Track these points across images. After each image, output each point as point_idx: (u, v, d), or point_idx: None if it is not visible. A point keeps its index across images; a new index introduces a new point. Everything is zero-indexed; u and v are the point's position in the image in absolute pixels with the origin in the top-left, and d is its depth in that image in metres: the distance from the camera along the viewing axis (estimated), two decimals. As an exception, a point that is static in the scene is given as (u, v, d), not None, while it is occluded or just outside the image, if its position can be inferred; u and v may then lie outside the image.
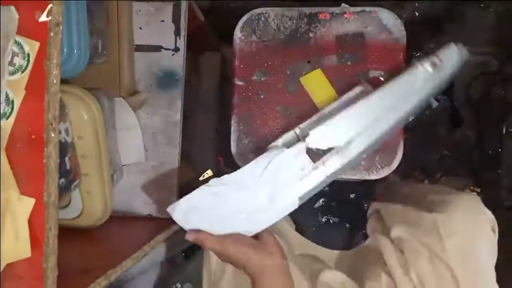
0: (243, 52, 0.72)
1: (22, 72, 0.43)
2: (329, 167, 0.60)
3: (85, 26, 0.57)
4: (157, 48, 0.74)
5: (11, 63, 0.42)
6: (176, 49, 0.74)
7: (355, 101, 0.62)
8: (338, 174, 0.62)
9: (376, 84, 0.67)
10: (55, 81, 0.43)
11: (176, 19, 0.73)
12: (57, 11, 0.42)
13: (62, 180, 0.56)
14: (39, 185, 0.43)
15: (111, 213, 0.67)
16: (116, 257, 0.56)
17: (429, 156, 1.17)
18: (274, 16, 0.72)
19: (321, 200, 1.16)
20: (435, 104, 1.15)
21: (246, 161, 0.60)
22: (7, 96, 0.43)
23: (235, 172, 0.58)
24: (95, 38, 0.63)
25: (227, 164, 1.13)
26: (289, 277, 0.58)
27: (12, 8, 0.42)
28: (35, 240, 0.43)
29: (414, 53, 1.09)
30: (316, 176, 0.60)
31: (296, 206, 0.60)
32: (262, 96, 0.72)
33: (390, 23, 0.70)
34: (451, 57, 0.63)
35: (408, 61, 0.68)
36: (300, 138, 0.62)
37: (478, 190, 1.13)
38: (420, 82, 0.62)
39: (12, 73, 0.43)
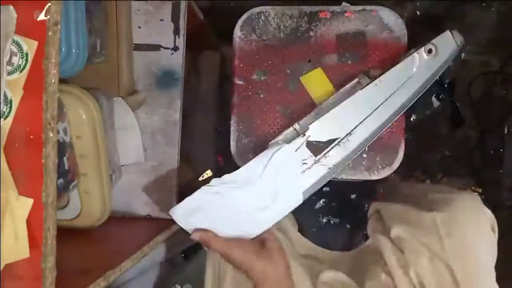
0: (242, 51, 0.72)
1: (20, 71, 0.42)
2: (331, 159, 0.60)
3: (84, 25, 0.57)
4: (156, 47, 0.73)
5: (9, 62, 0.42)
6: (175, 48, 0.73)
7: (353, 92, 0.62)
8: (340, 167, 0.61)
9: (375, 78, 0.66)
10: (53, 81, 0.42)
11: (175, 18, 0.73)
12: (56, 10, 0.42)
13: (61, 180, 0.56)
14: (38, 185, 0.43)
15: (110, 213, 0.67)
16: (115, 257, 0.56)
17: (430, 156, 1.17)
18: (274, 14, 0.71)
19: (321, 201, 1.16)
20: (436, 103, 1.15)
21: (246, 161, 0.60)
22: (5, 95, 0.42)
23: (235, 172, 0.58)
24: (94, 37, 0.63)
25: (226, 164, 1.13)
26: (291, 284, 0.58)
27: (11, 7, 0.42)
28: (34, 241, 0.43)
29: (415, 53, 1.09)
30: (318, 170, 0.60)
31: (300, 202, 0.59)
32: (262, 96, 0.71)
33: (391, 22, 0.69)
34: (446, 43, 0.63)
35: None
36: (299, 133, 0.62)
37: (480, 190, 1.12)
38: (417, 69, 0.62)
39: (10, 73, 0.42)
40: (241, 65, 0.72)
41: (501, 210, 1.01)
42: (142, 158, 0.74)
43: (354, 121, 0.61)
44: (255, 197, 0.58)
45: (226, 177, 0.58)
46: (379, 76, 0.62)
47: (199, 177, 0.60)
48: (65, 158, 0.57)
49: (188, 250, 0.95)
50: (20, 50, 0.42)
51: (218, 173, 0.59)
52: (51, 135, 0.42)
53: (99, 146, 0.61)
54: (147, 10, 0.73)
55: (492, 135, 1.14)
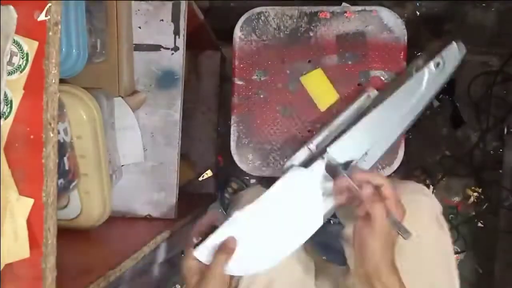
0: (243, 51, 0.72)
1: (21, 71, 0.42)
2: None
3: (84, 26, 0.57)
4: (157, 48, 0.73)
5: (9, 62, 0.42)
6: (176, 49, 0.73)
7: (363, 109, 0.62)
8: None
9: (379, 86, 0.66)
10: (53, 81, 0.42)
11: (175, 18, 0.73)
12: (56, 10, 0.42)
13: (61, 180, 0.56)
14: (38, 186, 0.42)
15: (110, 213, 0.67)
16: (115, 257, 0.56)
17: (430, 156, 1.17)
18: (274, 15, 0.71)
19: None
20: (436, 103, 1.15)
21: (246, 160, 0.60)
22: (5, 96, 0.42)
23: (256, 200, 0.57)
24: (94, 37, 0.63)
25: (226, 164, 1.13)
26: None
27: (11, 7, 0.42)
28: (34, 241, 0.43)
29: (415, 52, 1.09)
30: None
31: (320, 225, 0.58)
32: (262, 96, 0.71)
33: (391, 22, 0.70)
34: (453, 55, 0.63)
35: (409, 61, 0.68)
36: (314, 154, 0.61)
37: (479, 190, 1.12)
38: (426, 83, 0.62)
39: (11, 73, 0.42)
40: (241, 65, 0.72)
41: (501, 210, 1.01)
42: (142, 158, 0.74)
43: (369, 141, 0.60)
44: (277, 224, 0.57)
45: (247, 208, 0.56)
46: (386, 90, 0.62)
47: (199, 177, 0.59)
48: (65, 158, 0.57)
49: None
50: (21, 50, 0.42)
51: (218, 173, 0.59)
52: (51, 135, 0.42)
53: (100, 146, 0.61)
54: (147, 10, 0.73)
55: (492, 135, 1.14)
